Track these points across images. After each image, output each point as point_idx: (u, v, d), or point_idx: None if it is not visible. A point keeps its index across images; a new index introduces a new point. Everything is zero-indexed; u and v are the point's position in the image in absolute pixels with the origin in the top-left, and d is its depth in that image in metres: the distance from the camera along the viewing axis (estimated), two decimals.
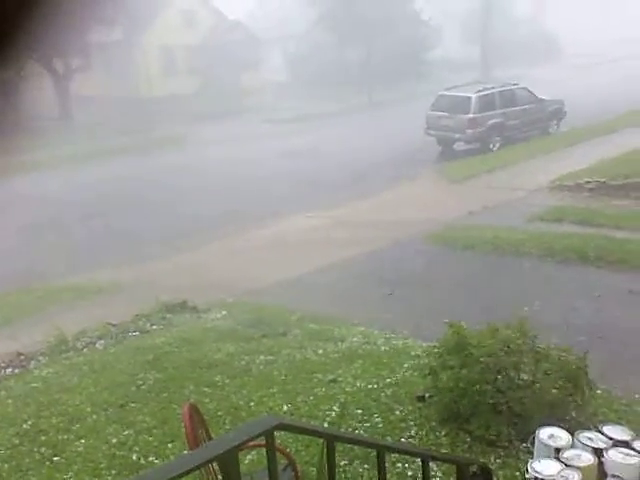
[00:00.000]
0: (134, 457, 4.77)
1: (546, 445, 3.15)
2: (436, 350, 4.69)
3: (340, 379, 5.66)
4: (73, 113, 27.43)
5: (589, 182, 12.67)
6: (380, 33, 30.17)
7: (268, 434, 1.92)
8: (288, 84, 34.62)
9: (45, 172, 18.96)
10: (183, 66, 32.17)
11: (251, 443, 2.08)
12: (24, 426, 5.44)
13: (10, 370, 6.98)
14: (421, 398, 4.92)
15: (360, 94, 29.17)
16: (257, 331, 7.19)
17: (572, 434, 3.17)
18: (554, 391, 4.17)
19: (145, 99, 29.67)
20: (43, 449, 5.04)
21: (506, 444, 4.20)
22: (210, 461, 1.81)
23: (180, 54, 32.12)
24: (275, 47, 35.28)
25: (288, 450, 3.96)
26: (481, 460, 3.99)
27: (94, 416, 5.47)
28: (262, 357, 6.38)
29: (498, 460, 4.19)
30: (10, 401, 6.04)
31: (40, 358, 7.16)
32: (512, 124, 18.03)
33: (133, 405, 5.61)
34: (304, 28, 33.71)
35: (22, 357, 7.23)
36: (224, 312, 8.10)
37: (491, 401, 4.18)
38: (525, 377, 4.28)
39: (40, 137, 23.52)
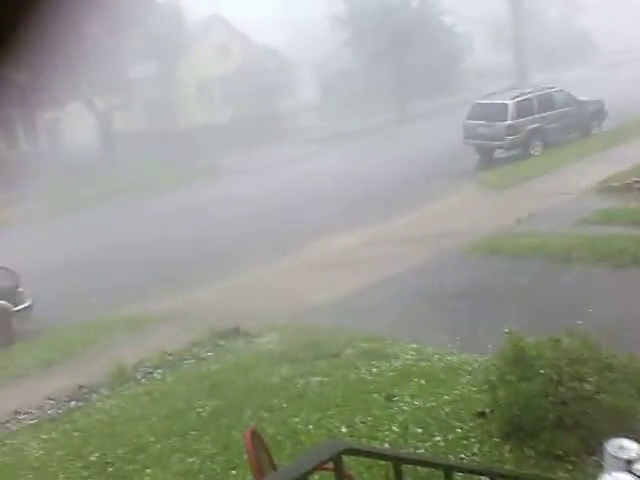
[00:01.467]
0: None
1: (616, 457, 3.07)
2: (494, 364, 4.63)
3: (397, 398, 5.63)
4: (114, 148, 28.25)
5: (638, 182, 12.34)
6: (411, 48, 30.23)
7: (336, 459, 1.94)
8: (321, 106, 34.91)
9: (89, 209, 19.54)
10: (218, 96, 32.81)
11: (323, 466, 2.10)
12: (91, 458, 5.59)
13: (74, 403, 7.18)
14: (481, 414, 4.85)
15: (393, 109, 29.20)
16: (309, 353, 7.22)
17: None
18: (620, 401, 4.06)
19: (182, 131, 30.36)
20: None
21: (574, 458, 4.10)
22: None
23: (215, 84, 32.78)
24: (306, 70, 35.70)
25: (351, 471, 3.96)
26: (549, 476, 3.90)
27: (158, 445, 5.58)
28: (317, 379, 6.40)
29: (566, 475, 4.09)
30: (76, 434, 6.22)
31: (102, 390, 7.34)
32: (552, 128, 17.75)
33: (194, 433, 5.70)
34: (334, 49, 34.04)
35: (84, 390, 7.44)
36: (275, 335, 8.16)
37: (555, 414, 4.10)
38: (589, 387, 4.18)
39: (84, 174, 24.31)
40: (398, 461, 2.36)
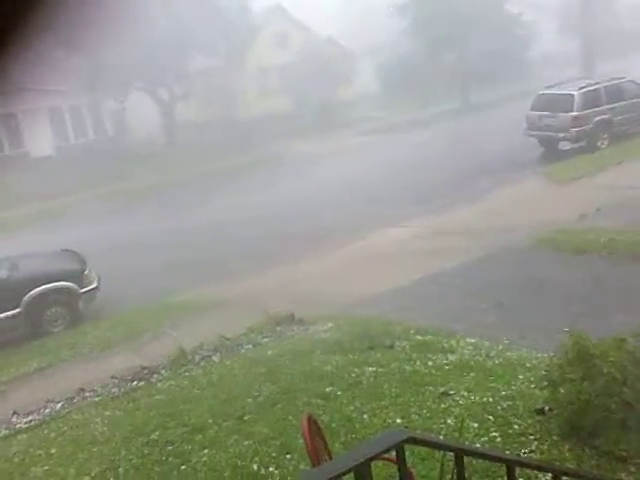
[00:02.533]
0: (254, 467, 4.94)
1: None
2: (555, 361, 4.52)
3: (453, 392, 5.58)
4: (178, 138, 28.91)
5: None
6: (474, 36, 29.60)
7: (399, 448, 1.95)
8: (381, 95, 34.68)
9: (155, 195, 20.07)
10: (278, 86, 33.07)
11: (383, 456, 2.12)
12: (152, 436, 5.78)
13: (135, 383, 7.45)
14: (540, 411, 4.75)
15: (455, 98, 28.70)
16: (364, 343, 7.23)
17: None
18: None
19: (243, 121, 30.76)
20: (170, 458, 5.34)
21: (637, 460, 3.97)
22: (346, 472, 1.87)
23: (275, 74, 33.04)
24: (366, 59, 35.48)
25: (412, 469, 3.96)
26: (612, 477, 3.80)
27: (215, 427, 5.72)
28: (371, 369, 6.40)
29: (630, 477, 3.97)
30: (138, 413, 6.45)
31: (162, 371, 7.58)
32: (620, 119, 17.07)
33: (250, 416, 5.81)
34: (394, 37, 33.69)
35: (145, 371, 7.70)
36: (330, 324, 8.22)
37: (618, 415, 3.98)
38: None
39: (149, 163, 24.99)
40: (461, 453, 2.35)
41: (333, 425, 5.35)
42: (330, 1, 48.62)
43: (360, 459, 1.79)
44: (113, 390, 7.34)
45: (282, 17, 33.76)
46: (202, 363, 7.59)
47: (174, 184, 21.42)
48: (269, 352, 7.42)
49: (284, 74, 32.80)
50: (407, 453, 4.43)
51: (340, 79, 32.85)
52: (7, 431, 6.88)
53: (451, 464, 2.93)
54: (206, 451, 5.41)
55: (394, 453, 2.13)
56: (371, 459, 1.84)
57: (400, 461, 1.99)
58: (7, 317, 9.86)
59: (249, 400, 6.15)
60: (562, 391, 4.31)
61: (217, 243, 13.86)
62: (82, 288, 10.44)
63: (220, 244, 13.74)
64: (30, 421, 6.99)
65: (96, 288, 10.68)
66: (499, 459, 2.85)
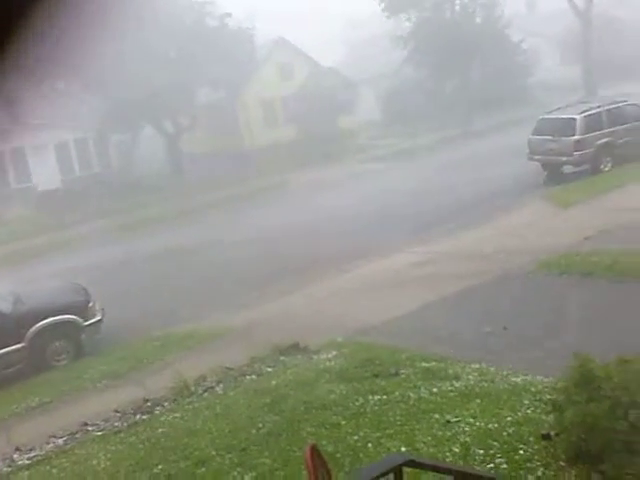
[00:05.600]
0: None
1: None
2: (560, 385, 4.46)
3: (458, 419, 5.50)
4: (183, 169, 29.16)
5: None
6: (475, 63, 29.96)
7: (397, 470, 1.92)
8: (383, 123, 34.96)
9: (157, 227, 20.17)
10: (282, 116, 33.44)
11: None
12: (155, 470, 5.72)
13: (138, 416, 7.38)
14: (546, 436, 4.67)
15: (456, 125, 28.89)
16: (368, 371, 7.17)
17: None
18: None
19: (248, 151, 31.03)
20: None
21: None
22: None
23: (279, 104, 33.44)
24: (368, 88, 35.87)
25: None
26: None
27: (218, 459, 5.65)
28: (376, 397, 6.33)
29: None
30: (141, 446, 6.38)
31: (165, 404, 7.52)
32: (623, 142, 17.09)
33: (254, 448, 5.74)
34: (395, 66, 34.13)
35: (148, 403, 7.64)
36: (334, 352, 8.15)
37: (625, 438, 3.90)
38: None
39: (155, 194, 25.18)
40: (461, 476, 2.30)
41: (337, 455, 5.28)
42: (331, 29, 49.47)
43: None
44: (116, 424, 7.28)
45: (285, 48, 34.30)
46: (205, 395, 7.52)
47: (179, 214, 21.53)
48: (273, 382, 7.36)
49: (288, 104, 33.19)
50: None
51: (342, 108, 33.19)
52: (9, 468, 6.81)
53: None
54: None
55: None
56: None
57: None
58: (10, 351, 9.83)
59: (253, 431, 6.08)
60: (568, 415, 4.24)
61: (219, 271, 13.87)
62: (86, 321, 10.43)
63: (223, 272, 13.75)
64: (32, 457, 6.91)
65: (100, 321, 10.66)
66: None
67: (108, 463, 6.20)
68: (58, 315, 10.20)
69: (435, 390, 6.27)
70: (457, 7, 30.64)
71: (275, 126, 32.84)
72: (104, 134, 28.00)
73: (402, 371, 7.01)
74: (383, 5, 30.38)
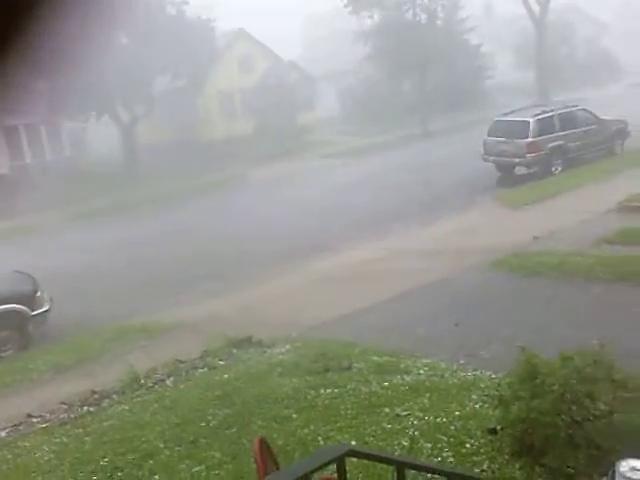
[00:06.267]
0: None
1: (628, 478, 3.02)
2: (506, 380, 4.57)
3: (408, 412, 5.58)
4: (138, 159, 28.60)
5: None
6: (433, 65, 30.34)
7: (340, 460, 1.94)
8: (342, 119, 35.09)
9: (107, 217, 19.74)
10: (241, 109, 33.16)
11: (324, 476, 2.10)
12: (101, 463, 5.61)
13: (86, 408, 7.23)
14: (492, 431, 4.78)
15: (414, 125, 29.23)
16: (321, 365, 7.20)
17: None
18: (633, 421, 3.99)
19: (205, 143, 30.65)
20: None
21: (585, 478, 4.02)
22: None
23: (238, 97, 33.14)
24: (328, 84, 35.92)
25: None
26: None
27: (167, 452, 5.58)
28: (328, 391, 6.37)
29: None
30: (87, 438, 6.25)
31: (114, 396, 7.38)
32: (574, 146, 17.63)
33: (204, 441, 5.70)
34: (356, 64, 34.28)
35: (96, 395, 7.49)
36: (288, 347, 8.16)
37: (567, 433, 4.03)
38: (602, 407, 4.11)
39: (107, 183, 24.63)
40: (402, 466, 2.34)
41: (287, 448, 5.29)
42: (291, 25, 49.30)
43: (299, 473, 1.77)
44: (62, 416, 7.10)
45: (245, 40, 33.99)
46: (156, 387, 7.42)
47: (130, 204, 21.10)
48: (225, 375, 7.31)
49: (247, 97, 32.94)
50: (361, 475, 4.42)
51: (301, 103, 33.15)
52: None
53: None
54: (157, 477, 5.28)
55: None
56: (312, 472, 1.81)
57: (340, 474, 1.96)
58: None
59: (202, 424, 6.04)
60: (513, 410, 4.35)
61: (171, 264, 13.68)
62: (33, 311, 10.12)
63: (174, 265, 13.56)
64: None
65: (48, 311, 10.38)
66: (440, 472, 2.86)
67: (52, 455, 6.05)
68: (3, 304, 9.87)
69: (386, 384, 6.34)
70: (418, 9, 30.95)
71: (233, 119, 32.55)
72: (56, 120, 27.19)
73: (355, 365, 7.07)
74: (346, 0, 30.44)
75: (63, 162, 27.05)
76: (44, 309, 10.31)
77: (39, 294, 10.38)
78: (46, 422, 7.02)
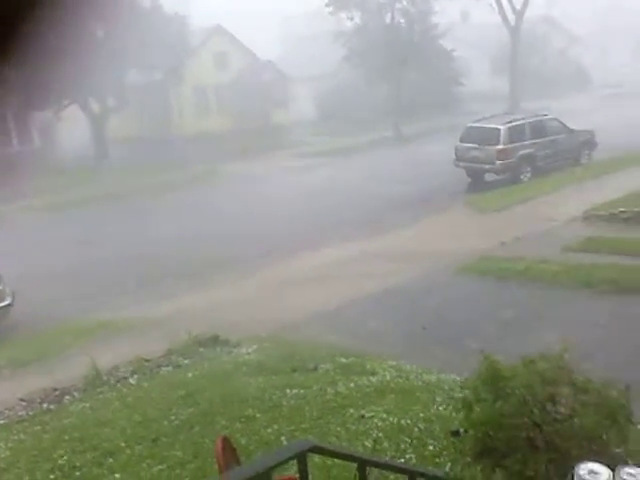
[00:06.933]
0: None
1: None
2: (470, 383, 4.60)
3: (372, 414, 5.59)
4: (108, 153, 28.16)
5: (624, 212, 12.46)
6: (409, 68, 30.52)
7: (301, 457, 1.91)
8: (317, 121, 35.09)
9: (74, 210, 19.35)
10: (215, 105, 32.92)
11: (286, 475, 2.07)
12: (59, 461, 5.49)
13: (45, 405, 7.07)
14: (455, 433, 4.81)
15: (388, 128, 29.40)
16: (288, 365, 7.18)
17: (613, 470, 3.07)
18: (593, 425, 4.04)
19: (177, 138, 30.35)
20: None
21: None
22: None
23: (212, 94, 32.91)
24: (304, 85, 35.91)
25: None
26: None
27: (128, 451, 5.49)
28: (293, 391, 6.35)
29: None
30: (46, 436, 6.11)
31: (74, 393, 7.24)
32: (543, 154, 17.94)
33: (165, 440, 5.62)
34: (333, 66, 34.32)
35: (57, 392, 7.33)
36: (255, 346, 8.11)
37: (527, 435, 4.07)
38: (562, 410, 4.16)
39: (75, 176, 24.20)
40: (363, 463, 2.33)
41: (250, 448, 5.25)
42: (267, 25, 49.12)
43: (261, 468, 1.74)
44: (20, 413, 6.93)
45: (222, 37, 33.77)
46: (118, 385, 7.30)
47: (97, 198, 20.72)
48: (189, 374, 7.23)
49: (221, 94, 32.72)
50: (323, 476, 4.40)
51: (277, 103, 33.07)
52: None
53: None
54: (117, 476, 5.18)
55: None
56: (272, 467, 1.79)
57: (302, 470, 1.94)
58: None
59: (165, 423, 5.95)
60: (475, 412, 4.37)
61: (140, 261, 13.46)
62: None
63: (143, 263, 13.35)
64: None
65: (10, 305, 10.13)
66: (401, 470, 2.86)
67: (8, 453, 5.90)
68: None
69: (352, 385, 6.35)
70: (397, 12, 31.08)
71: (207, 115, 32.31)
72: (25, 111, 26.60)
73: (321, 366, 7.06)
74: (326, 0, 30.39)
75: (31, 153, 26.49)
76: (5, 303, 10.07)
77: (1, 287, 10.13)
78: (4, 419, 6.84)
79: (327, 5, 30.51)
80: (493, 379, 4.27)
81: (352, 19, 31.42)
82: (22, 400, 7.24)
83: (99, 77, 24.81)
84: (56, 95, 25.88)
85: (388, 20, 31.08)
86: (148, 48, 26.09)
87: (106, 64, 24.51)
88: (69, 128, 30.11)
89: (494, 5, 34.52)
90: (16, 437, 6.27)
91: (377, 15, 31.17)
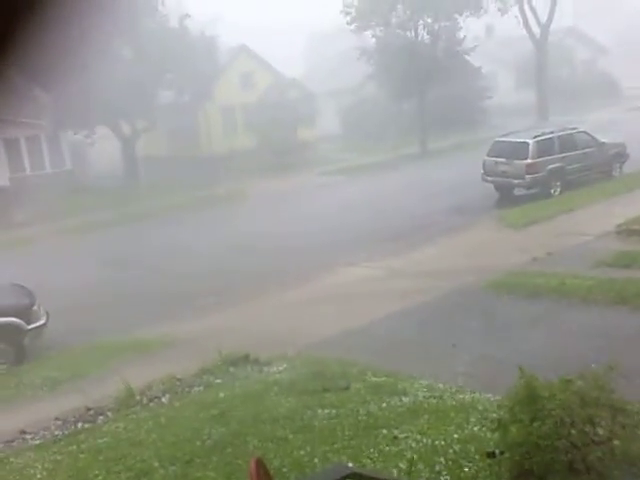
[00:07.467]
0: None
1: None
2: (505, 403, 4.53)
3: (406, 435, 5.53)
4: (139, 173, 28.64)
5: None
6: (436, 84, 30.49)
7: None
8: (343, 137, 35.23)
9: (111, 230, 19.70)
10: (242, 124, 33.34)
11: None
12: None
13: (80, 425, 7.15)
14: (491, 454, 4.73)
15: (414, 144, 29.36)
16: (318, 385, 7.14)
17: None
18: (633, 447, 3.95)
19: (206, 157, 30.77)
20: None
21: None
22: None
23: (240, 113, 33.35)
24: (330, 102, 36.11)
25: None
26: None
27: (161, 471, 5.51)
28: (325, 411, 6.31)
29: None
30: (81, 456, 6.18)
31: (108, 413, 7.31)
32: (573, 168, 17.70)
33: (199, 460, 5.63)
34: (358, 82, 34.49)
35: (91, 412, 7.41)
36: (285, 365, 8.10)
37: (566, 457, 3.99)
38: (601, 432, 4.08)
39: (107, 197, 24.63)
40: None
41: (284, 470, 5.23)
42: (294, 42, 49.63)
43: None
44: (56, 433, 7.02)
45: (248, 57, 34.29)
46: (151, 405, 7.35)
47: (129, 218, 21.05)
48: (221, 394, 7.25)
49: (248, 113, 33.12)
50: None
51: (303, 120, 33.30)
52: None
53: None
54: None
55: None
56: None
57: None
58: None
59: (198, 443, 5.97)
60: (512, 433, 4.31)
61: (171, 279, 13.62)
62: (29, 324, 10.06)
63: (174, 280, 13.50)
64: None
65: (44, 325, 10.31)
66: None
67: (45, 473, 5.97)
68: (0, 317, 9.81)
69: (384, 405, 6.29)
70: (421, 28, 31.14)
71: (234, 134, 32.70)
72: (57, 133, 27.25)
73: (353, 385, 7.01)
74: (349, 18, 30.58)
75: (63, 175, 27.07)
76: (40, 323, 10.25)
77: (35, 307, 10.32)
78: (40, 438, 6.94)
79: (349, 23, 30.71)
80: (530, 399, 4.20)
81: (376, 36, 31.57)
82: (57, 419, 7.33)
83: (129, 99, 25.30)
84: (87, 117, 26.48)
85: (411, 36, 31.15)
86: (177, 70, 26.58)
87: (136, 86, 25.02)
88: (100, 149, 30.76)
89: (519, 18, 34.42)
90: (52, 457, 6.34)
91: (401, 31, 31.27)
